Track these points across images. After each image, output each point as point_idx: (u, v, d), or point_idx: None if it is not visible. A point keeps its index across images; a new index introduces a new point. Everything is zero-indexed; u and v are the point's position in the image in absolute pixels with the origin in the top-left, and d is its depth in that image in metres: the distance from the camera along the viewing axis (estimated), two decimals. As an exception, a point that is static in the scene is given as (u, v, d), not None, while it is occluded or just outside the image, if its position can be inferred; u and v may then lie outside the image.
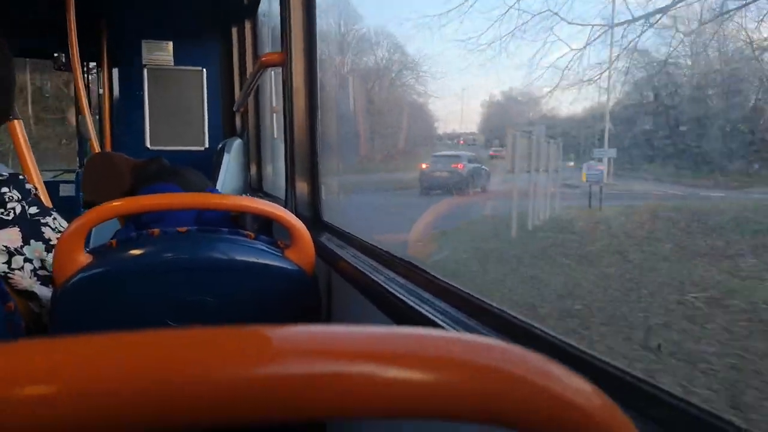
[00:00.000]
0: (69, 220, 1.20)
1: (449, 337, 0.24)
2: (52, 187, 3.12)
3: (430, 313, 0.82)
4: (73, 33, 3.09)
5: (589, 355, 0.51)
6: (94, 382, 0.19)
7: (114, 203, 1.07)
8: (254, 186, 3.30)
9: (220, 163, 3.37)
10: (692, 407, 0.43)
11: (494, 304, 0.74)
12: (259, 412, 0.20)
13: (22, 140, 1.75)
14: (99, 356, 0.20)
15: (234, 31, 3.79)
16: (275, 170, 3.27)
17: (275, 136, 3.39)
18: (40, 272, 1.08)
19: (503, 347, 0.24)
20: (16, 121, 1.72)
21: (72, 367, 0.20)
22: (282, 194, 2.10)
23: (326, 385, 0.21)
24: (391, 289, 0.95)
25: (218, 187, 3.19)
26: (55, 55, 4.26)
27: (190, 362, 0.20)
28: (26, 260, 1.06)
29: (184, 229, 1.12)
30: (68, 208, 4.02)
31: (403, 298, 0.90)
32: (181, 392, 0.20)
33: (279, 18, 1.78)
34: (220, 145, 3.67)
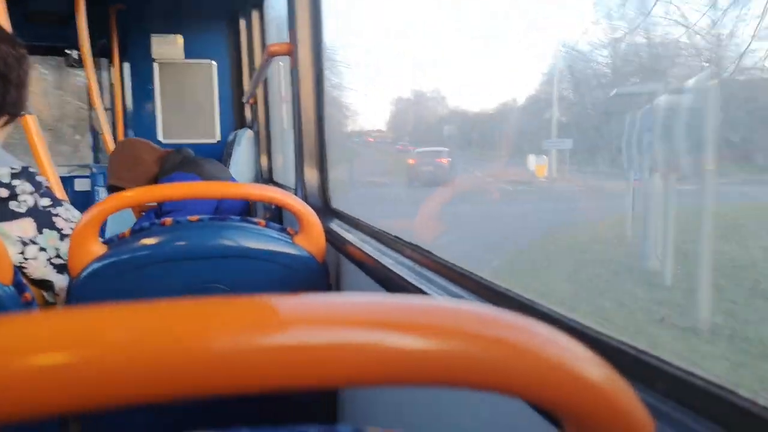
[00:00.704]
0: None
1: (461, 308, 0.24)
2: (67, 182, 3.16)
3: (439, 294, 0.82)
4: (83, 30, 3.11)
5: (587, 327, 0.51)
6: (105, 350, 0.19)
7: (127, 193, 1.09)
8: (265, 176, 3.32)
9: (231, 154, 3.39)
10: (694, 377, 0.43)
11: (502, 285, 0.75)
12: (273, 380, 0.20)
13: (35, 135, 1.77)
14: (111, 325, 0.20)
15: (242, 22, 3.79)
16: (285, 160, 3.29)
17: (285, 126, 3.41)
18: (54, 261, 1.10)
19: (512, 319, 0.24)
20: (29, 117, 1.74)
21: (83, 336, 0.20)
22: (293, 183, 2.11)
23: (338, 354, 0.21)
24: (399, 272, 0.95)
25: None
26: (67, 52, 4.30)
27: (204, 330, 0.20)
28: (41, 249, 1.09)
29: (195, 217, 1.14)
30: (84, 203, 4.07)
31: (412, 281, 0.90)
32: (194, 360, 0.20)
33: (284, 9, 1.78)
34: (231, 137, 3.69)
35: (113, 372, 0.19)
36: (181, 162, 2.30)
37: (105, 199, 1.07)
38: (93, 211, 1.03)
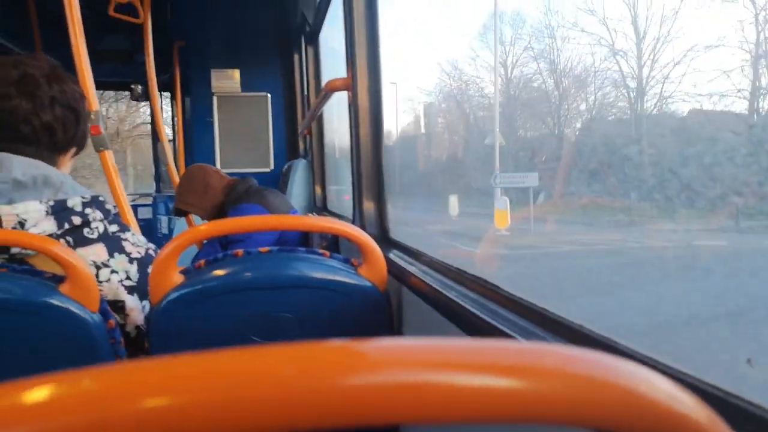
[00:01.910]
0: (148, 239, 1.31)
1: (535, 347, 0.26)
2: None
3: (504, 326, 0.84)
4: (151, 66, 3.31)
5: (674, 368, 0.52)
6: (205, 396, 0.21)
7: (202, 227, 1.15)
8: (319, 205, 3.40)
9: (287, 183, 3.50)
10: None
11: (570, 319, 0.76)
12: (356, 419, 0.22)
13: (111, 169, 1.89)
14: (208, 372, 0.22)
15: (296, 57, 3.94)
16: (339, 189, 3.36)
17: (338, 156, 3.49)
18: (125, 282, 1.18)
19: (590, 356, 0.25)
20: (106, 152, 1.86)
21: (184, 383, 0.22)
22: (345, 212, 2.17)
23: (417, 394, 0.22)
24: (463, 304, 0.97)
25: None
26: (132, 86, 4.56)
27: (291, 375, 0.22)
28: (113, 272, 1.16)
29: (265, 249, 1.20)
30: (147, 230, 4.26)
31: (477, 312, 0.92)
32: (282, 403, 0.22)
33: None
34: (286, 166, 3.81)
35: (213, 416, 0.22)
36: (246, 192, 2.38)
37: (183, 233, 1.14)
38: (173, 244, 1.10)
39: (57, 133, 1.19)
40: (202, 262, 1.17)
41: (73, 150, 1.27)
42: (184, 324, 1.10)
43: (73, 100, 1.21)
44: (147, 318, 1.16)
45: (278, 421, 0.22)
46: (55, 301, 1.03)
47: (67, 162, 1.27)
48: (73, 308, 1.04)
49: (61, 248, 1.04)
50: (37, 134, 1.17)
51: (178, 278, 1.12)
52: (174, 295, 1.09)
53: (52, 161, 1.21)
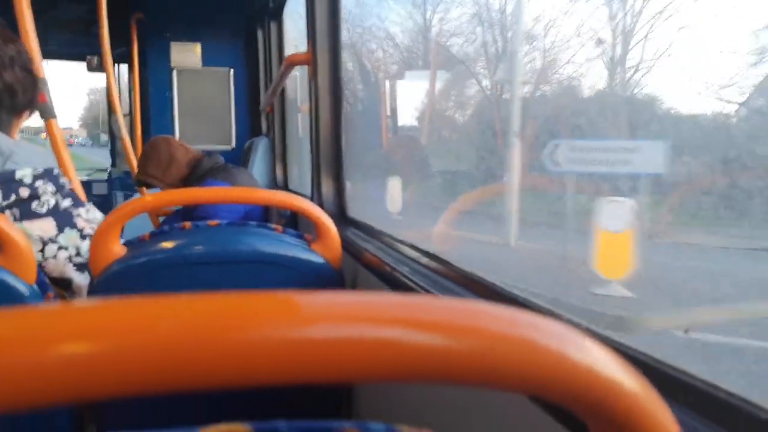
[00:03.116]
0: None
1: (474, 306, 0.24)
2: (85, 186, 3.22)
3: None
4: (105, 37, 3.17)
5: (602, 334, 0.52)
6: (132, 341, 0.20)
7: (148, 198, 1.11)
8: (280, 184, 3.34)
9: (248, 161, 3.43)
10: (717, 390, 0.44)
11: (519, 293, 0.75)
12: (290, 373, 0.21)
13: (58, 138, 1.80)
14: (138, 316, 0.20)
15: (259, 32, 3.84)
16: (301, 168, 3.31)
17: (301, 134, 3.43)
18: (75, 259, 1.12)
19: (528, 318, 0.24)
20: (52, 120, 1.77)
21: (110, 327, 0.20)
22: (308, 192, 2.13)
23: (354, 349, 0.21)
24: (417, 280, 0.96)
25: None
26: (88, 57, 4.38)
27: (225, 324, 0.21)
28: (60, 248, 1.11)
29: (214, 222, 1.15)
30: (102, 206, 4.13)
31: (429, 289, 0.91)
32: (216, 353, 0.20)
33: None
34: (247, 144, 3.73)
35: (136, 362, 0.20)
36: (211, 168, 2.31)
37: (126, 203, 1.08)
38: (115, 214, 1.05)
39: (18, 94, 1.15)
40: (147, 234, 1.13)
41: (27, 113, 1.23)
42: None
43: (28, 61, 1.18)
44: (84, 290, 1.11)
45: (209, 374, 0.20)
46: None
47: (19, 126, 1.23)
48: (7, 279, 0.99)
49: None
50: None
51: (120, 250, 1.07)
52: (114, 267, 1.04)
53: (9, 124, 1.16)
